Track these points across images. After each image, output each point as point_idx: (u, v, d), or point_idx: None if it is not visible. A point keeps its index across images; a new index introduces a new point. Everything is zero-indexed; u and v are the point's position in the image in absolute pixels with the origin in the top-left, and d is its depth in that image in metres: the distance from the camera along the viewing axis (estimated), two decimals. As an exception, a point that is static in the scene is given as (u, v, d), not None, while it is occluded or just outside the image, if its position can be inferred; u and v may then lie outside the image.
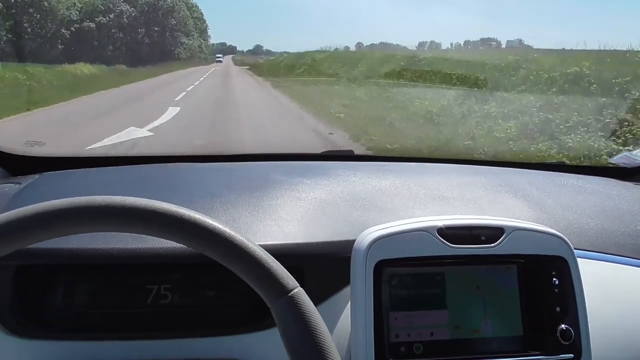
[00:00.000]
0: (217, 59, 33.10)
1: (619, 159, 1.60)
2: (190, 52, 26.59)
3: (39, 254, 0.80)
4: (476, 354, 0.80)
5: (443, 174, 1.27)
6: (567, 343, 0.80)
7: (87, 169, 1.25)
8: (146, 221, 0.59)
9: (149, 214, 0.59)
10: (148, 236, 0.62)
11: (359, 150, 5.38)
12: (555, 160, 1.69)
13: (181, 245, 0.62)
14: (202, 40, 29.19)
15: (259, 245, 0.62)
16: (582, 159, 4.43)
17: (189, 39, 26.05)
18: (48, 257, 0.81)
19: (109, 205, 0.58)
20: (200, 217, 0.60)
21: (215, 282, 0.85)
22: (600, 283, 0.91)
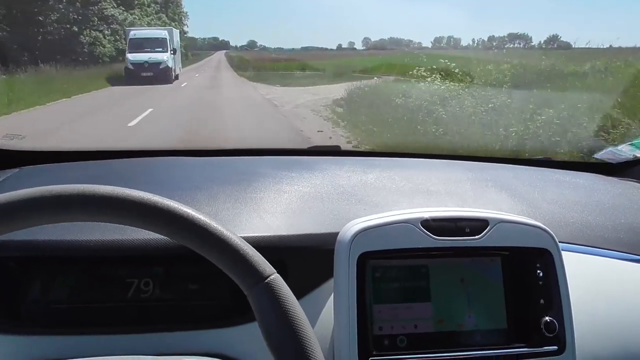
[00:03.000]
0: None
1: (604, 155, 1.61)
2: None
3: (13, 246, 0.78)
4: (460, 346, 0.80)
5: (430, 169, 1.27)
6: (551, 335, 0.80)
7: (68, 163, 1.23)
8: (121, 210, 0.57)
9: (125, 203, 0.58)
10: (127, 227, 0.61)
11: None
12: (541, 156, 1.70)
13: (160, 236, 0.61)
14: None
15: (242, 237, 0.61)
16: (569, 154, 4.46)
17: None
18: (22, 249, 0.79)
19: (82, 193, 0.57)
20: (176, 204, 0.59)
21: (196, 275, 0.84)
22: (585, 275, 0.91)
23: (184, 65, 23.21)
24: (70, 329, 0.80)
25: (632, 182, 1.35)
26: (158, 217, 0.58)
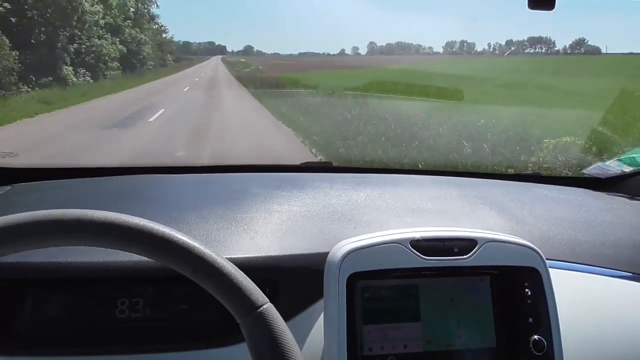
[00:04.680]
0: None
1: (592, 170, 1.63)
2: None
3: (4, 268, 0.78)
4: None
5: (419, 186, 1.28)
6: (540, 354, 0.80)
7: (60, 180, 1.23)
8: (117, 237, 0.58)
9: (120, 229, 0.58)
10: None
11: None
12: (530, 172, 1.71)
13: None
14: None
15: (231, 258, 0.61)
16: (556, 169, 4.49)
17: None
18: (14, 271, 0.79)
19: (79, 219, 0.58)
20: (170, 232, 0.60)
21: (186, 296, 0.84)
22: (573, 293, 0.92)
23: (151, 77, 19.64)
24: (61, 349, 0.80)
25: (620, 197, 1.36)
26: (152, 244, 0.59)
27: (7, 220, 0.57)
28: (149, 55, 22.07)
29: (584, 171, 1.69)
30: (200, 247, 0.60)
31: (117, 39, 17.95)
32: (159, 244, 0.59)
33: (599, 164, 1.62)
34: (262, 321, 0.58)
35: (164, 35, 26.54)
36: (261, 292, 0.60)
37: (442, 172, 1.54)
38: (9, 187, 1.15)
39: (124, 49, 18.48)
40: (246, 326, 0.58)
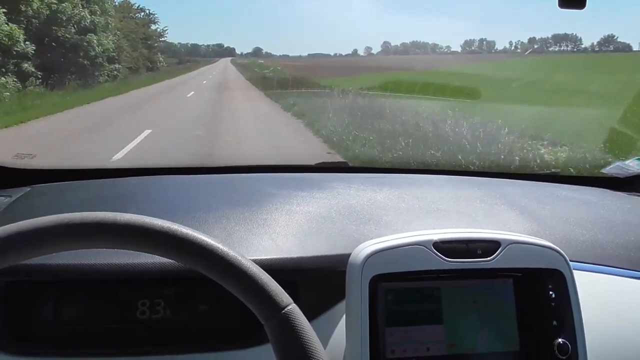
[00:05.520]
0: None
1: (611, 169, 1.61)
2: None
3: (27, 271, 0.79)
4: None
5: (438, 186, 1.27)
6: (564, 357, 0.79)
7: (78, 181, 1.24)
8: (141, 239, 0.58)
9: (144, 232, 0.58)
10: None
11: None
12: (548, 171, 1.69)
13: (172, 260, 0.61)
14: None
15: (253, 260, 0.61)
16: (575, 169, 4.45)
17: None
18: (37, 273, 0.80)
19: (102, 222, 0.58)
20: (194, 233, 0.60)
21: (207, 296, 0.84)
22: (597, 295, 0.91)
23: (136, 85, 14.02)
24: (81, 350, 0.81)
25: None
26: (176, 246, 0.59)
27: (33, 223, 0.57)
28: (113, 54, 14.06)
29: (603, 170, 1.66)
30: (225, 248, 0.60)
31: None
32: (184, 246, 0.59)
33: (618, 163, 1.60)
34: (287, 322, 0.58)
35: (153, 27, 18.92)
36: (285, 294, 0.60)
37: (460, 171, 1.53)
38: (28, 188, 1.16)
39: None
40: (271, 327, 0.58)
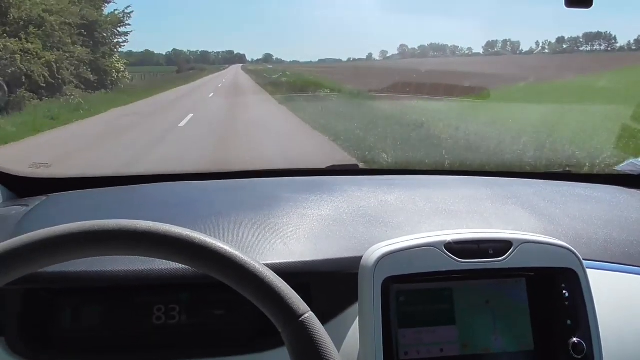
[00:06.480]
0: None
1: (624, 167, 1.59)
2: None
3: (45, 278, 0.80)
4: None
5: (449, 187, 1.27)
6: (579, 357, 0.79)
7: (93, 189, 1.26)
8: (160, 247, 0.59)
9: (162, 240, 0.59)
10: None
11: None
12: (560, 169, 1.68)
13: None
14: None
15: (266, 264, 0.62)
16: (587, 166, 4.41)
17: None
18: (54, 281, 0.81)
19: (119, 229, 0.59)
20: (212, 241, 0.60)
21: (222, 302, 0.85)
22: (611, 294, 0.90)
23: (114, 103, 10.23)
24: (98, 356, 0.82)
25: None
26: (193, 253, 0.60)
27: (54, 231, 0.58)
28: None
29: (617, 168, 1.65)
30: (242, 256, 0.60)
31: None
32: (200, 253, 0.59)
33: (632, 160, 1.59)
34: (304, 330, 0.58)
35: (126, 27, 12.54)
36: (302, 301, 0.60)
37: (470, 172, 1.53)
38: (44, 197, 1.17)
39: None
40: (288, 335, 0.59)
